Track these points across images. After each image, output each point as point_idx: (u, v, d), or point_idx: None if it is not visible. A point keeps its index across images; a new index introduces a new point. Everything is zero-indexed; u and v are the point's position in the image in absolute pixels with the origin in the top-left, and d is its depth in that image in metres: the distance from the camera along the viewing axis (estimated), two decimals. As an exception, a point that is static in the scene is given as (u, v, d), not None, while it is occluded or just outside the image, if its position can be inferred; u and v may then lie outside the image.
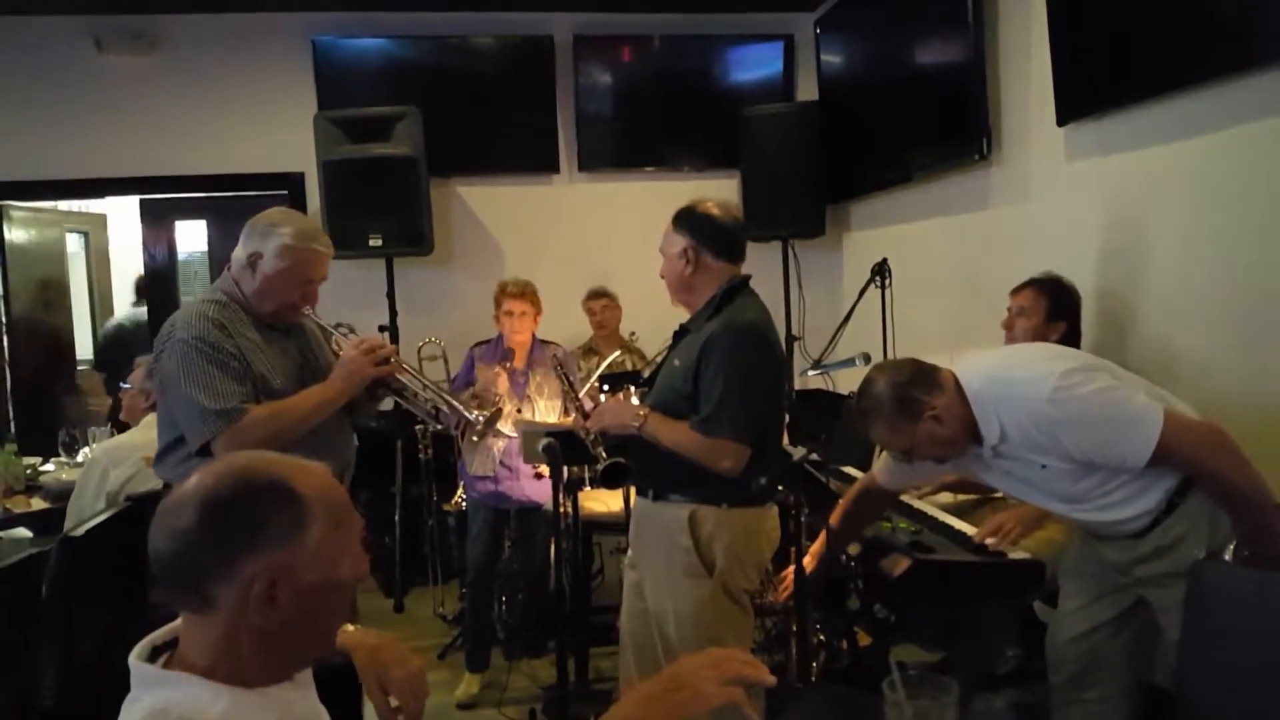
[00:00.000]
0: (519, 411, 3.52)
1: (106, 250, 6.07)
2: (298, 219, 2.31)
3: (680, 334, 2.37)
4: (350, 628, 1.44)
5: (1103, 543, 2.12)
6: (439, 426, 2.59)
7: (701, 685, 1.13)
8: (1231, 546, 1.87)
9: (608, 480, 2.32)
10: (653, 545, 2.31)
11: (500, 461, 3.48)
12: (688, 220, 2.30)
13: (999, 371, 2.01)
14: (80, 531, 2.72)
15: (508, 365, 3.51)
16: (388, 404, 2.61)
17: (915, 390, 1.98)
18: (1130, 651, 2.13)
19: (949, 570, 2.40)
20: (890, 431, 2.02)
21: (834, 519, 2.52)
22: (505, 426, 3.41)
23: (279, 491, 1.07)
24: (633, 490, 2.47)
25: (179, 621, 1.11)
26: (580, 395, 2.55)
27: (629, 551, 2.45)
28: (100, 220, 5.70)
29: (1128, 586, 2.08)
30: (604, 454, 2.28)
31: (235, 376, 2.13)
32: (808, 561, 2.37)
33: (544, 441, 2.23)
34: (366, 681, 1.39)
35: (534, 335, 3.63)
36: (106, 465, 3.02)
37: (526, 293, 3.58)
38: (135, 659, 1.10)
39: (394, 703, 1.38)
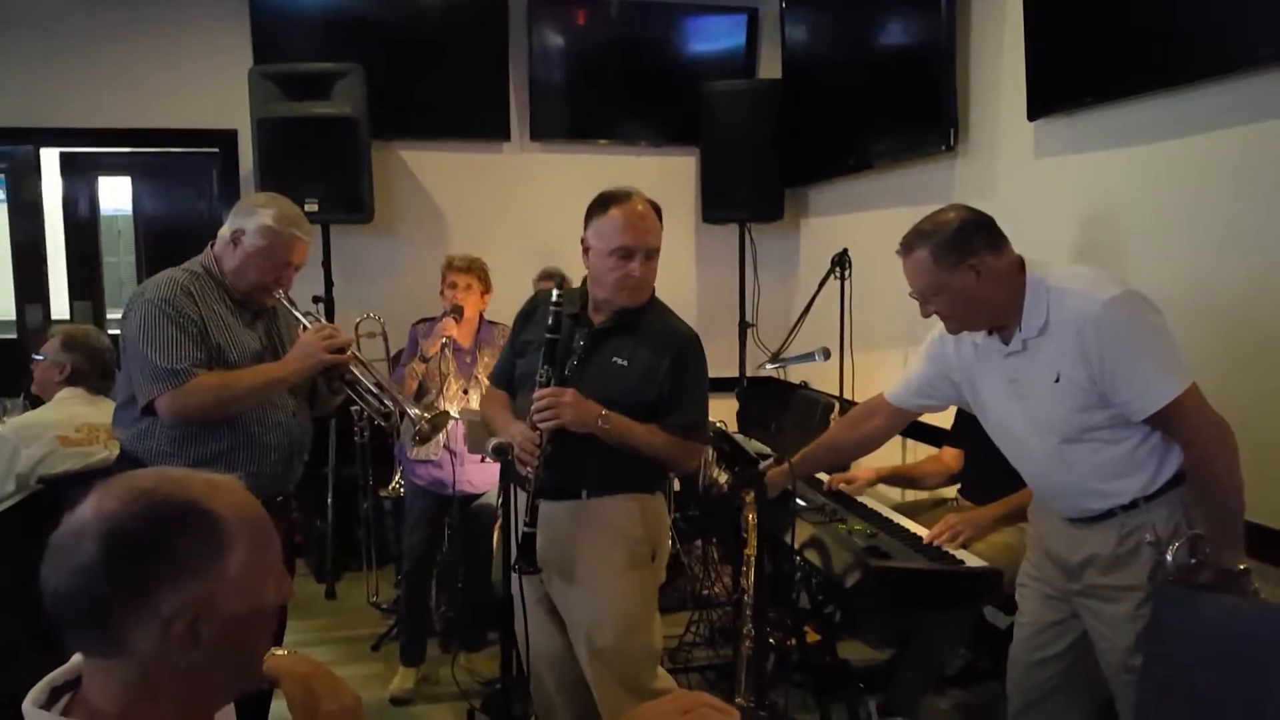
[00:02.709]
0: (465, 394, 3.37)
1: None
2: (282, 203, 2.38)
3: (605, 331, 2.24)
4: (279, 651, 1.32)
5: (1056, 533, 2.07)
6: (385, 424, 2.59)
7: None
8: (1174, 546, 1.82)
9: None
10: (586, 546, 2.20)
11: (444, 445, 3.33)
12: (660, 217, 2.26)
13: (1071, 269, 2.01)
14: (-12, 518, 2.57)
15: (457, 319, 3.35)
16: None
17: (978, 237, 1.94)
18: (1084, 682, 2.10)
19: (905, 578, 2.34)
20: (930, 260, 1.94)
21: (822, 437, 2.55)
22: (452, 409, 3.27)
23: (192, 515, 0.96)
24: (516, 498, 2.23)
25: (80, 657, 0.99)
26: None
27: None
28: (26, 160, 4.69)
29: (1074, 598, 2.04)
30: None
31: (193, 341, 2.20)
32: (773, 474, 2.32)
33: (494, 441, 2.09)
34: (295, 714, 1.26)
35: (482, 315, 3.49)
36: (17, 444, 2.86)
37: (474, 268, 3.44)
38: (30, 705, 0.97)
39: None
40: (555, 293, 2.23)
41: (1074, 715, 2.12)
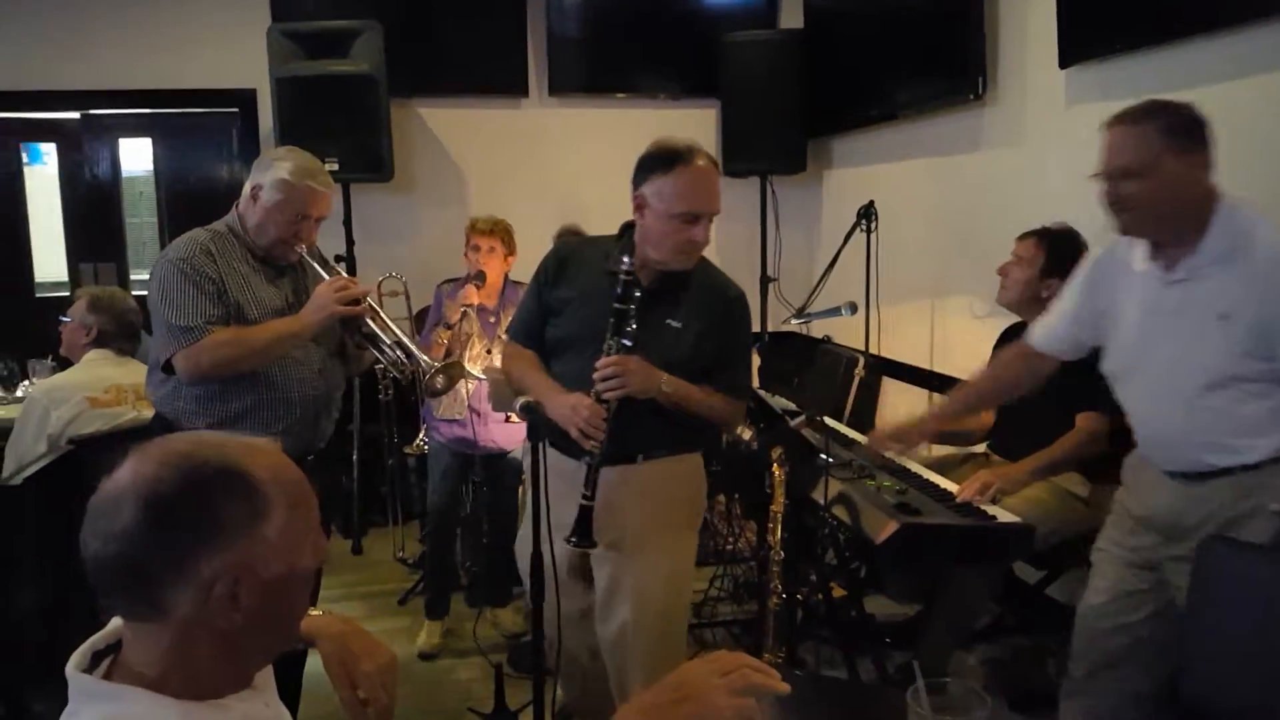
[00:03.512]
0: (489, 353, 3.37)
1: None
2: (300, 156, 2.34)
3: (654, 291, 2.11)
4: (315, 612, 1.33)
5: (1161, 493, 1.97)
6: (400, 376, 2.59)
7: (712, 696, 1.02)
8: None
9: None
10: (641, 508, 2.14)
11: (469, 405, 3.34)
12: None
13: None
14: (19, 480, 2.61)
15: (479, 285, 3.33)
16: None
17: (1208, 140, 1.82)
18: (1154, 654, 2.05)
19: (936, 534, 2.33)
20: (1160, 135, 1.80)
21: (978, 377, 2.45)
22: (475, 369, 3.27)
23: (231, 478, 0.95)
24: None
25: (120, 621, 0.99)
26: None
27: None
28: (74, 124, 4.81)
29: (1169, 563, 1.96)
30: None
31: (209, 299, 2.20)
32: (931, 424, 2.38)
33: (521, 400, 2.07)
34: (332, 673, 1.27)
35: (506, 276, 3.47)
36: (47, 405, 2.88)
37: (497, 230, 3.41)
38: (73, 669, 0.97)
39: (362, 695, 1.26)
40: (626, 260, 2.05)
41: (1139, 686, 2.07)
